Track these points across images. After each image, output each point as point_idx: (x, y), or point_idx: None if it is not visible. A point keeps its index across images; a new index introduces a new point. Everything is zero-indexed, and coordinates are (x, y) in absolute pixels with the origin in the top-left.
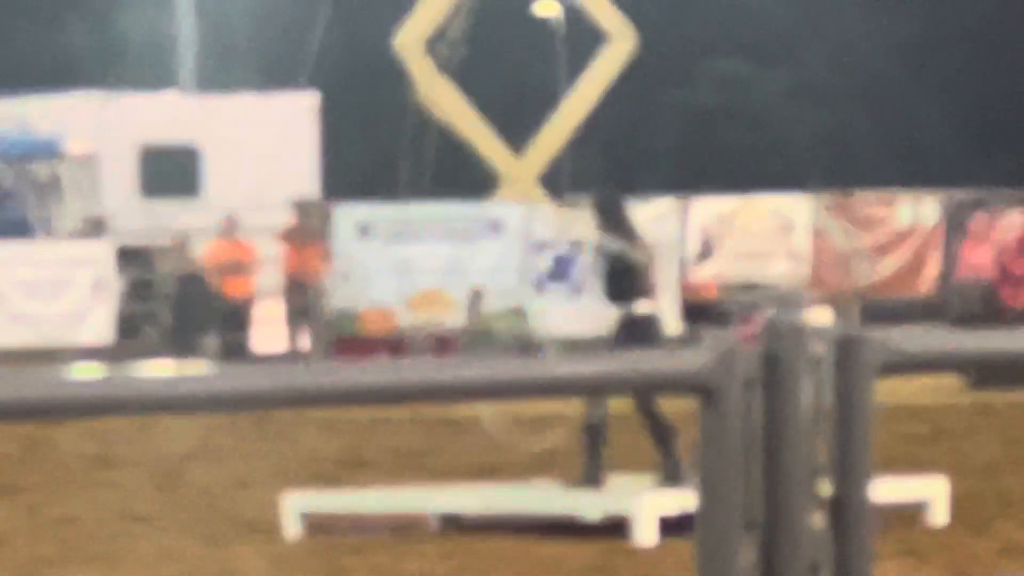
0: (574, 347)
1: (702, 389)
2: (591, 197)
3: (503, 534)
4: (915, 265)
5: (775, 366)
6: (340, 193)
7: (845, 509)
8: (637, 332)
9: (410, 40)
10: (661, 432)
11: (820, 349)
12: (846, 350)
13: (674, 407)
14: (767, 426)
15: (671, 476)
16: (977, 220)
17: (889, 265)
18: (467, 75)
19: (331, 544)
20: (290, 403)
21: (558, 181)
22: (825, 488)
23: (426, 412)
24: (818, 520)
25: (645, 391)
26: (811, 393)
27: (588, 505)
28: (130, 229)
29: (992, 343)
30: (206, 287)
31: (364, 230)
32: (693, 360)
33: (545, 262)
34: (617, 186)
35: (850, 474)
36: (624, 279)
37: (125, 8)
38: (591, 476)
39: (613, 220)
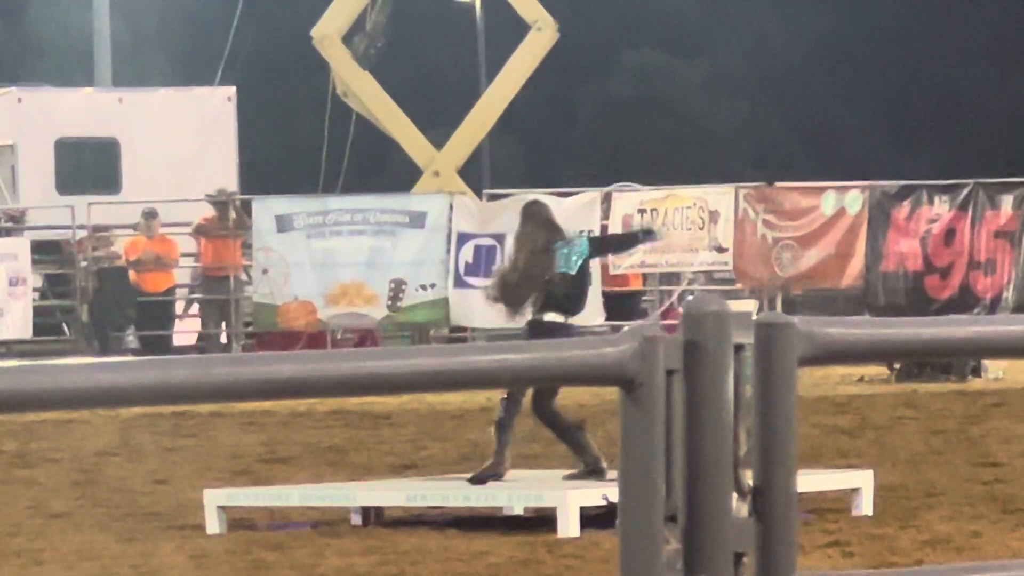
0: (496, 340)
1: (623, 379)
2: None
3: (425, 528)
4: (839, 256)
5: (697, 355)
6: (259, 186)
7: (769, 497)
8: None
9: (328, 31)
10: (564, 430)
11: (742, 337)
12: (769, 338)
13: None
14: (689, 415)
15: (592, 469)
16: (902, 211)
17: (813, 256)
18: (386, 67)
19: (252, 540)
20: (210, 396)
21: (479, 172)
22: (749, 477)
23: (347, 406)
24: (742, 509)
25: (566, 382)
26: (733, 382)
27: (511, 498)
28: (48, 224)
29: (915, 332)
30: (125, 282)
31: (284, 223)
32: (614, 350)
33: (467, 254)
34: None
35: (773, 463)
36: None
37: (41, 3)
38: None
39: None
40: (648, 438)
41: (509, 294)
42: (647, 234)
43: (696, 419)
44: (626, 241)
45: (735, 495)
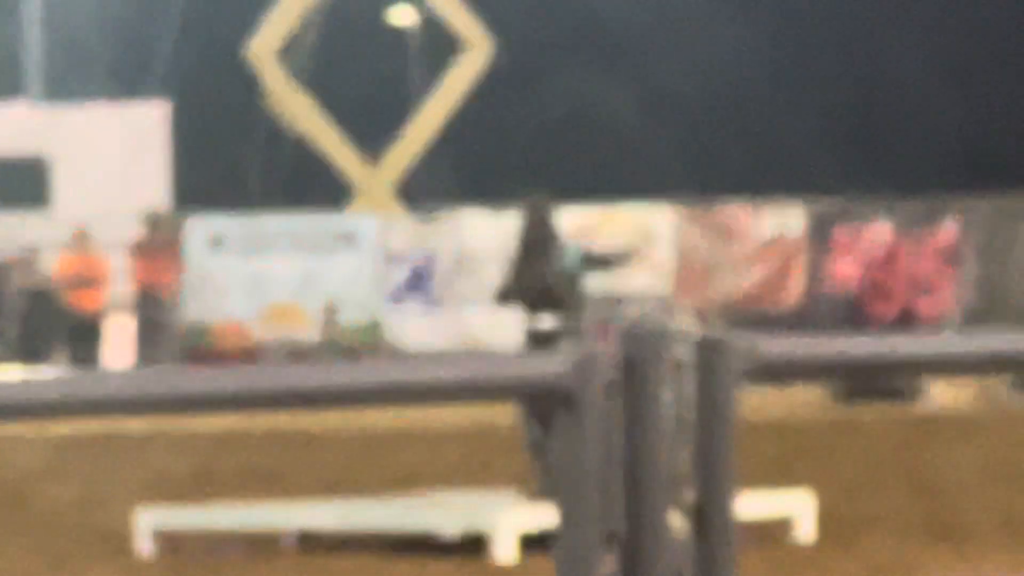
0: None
1: (560, 395)
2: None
3: (360, 551)
4: (780, 276)
5: (635, 371)
6: (192, 204)
7: (708, 517)
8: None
9: (263, 49)
10: (538, 443)
11: (682, 353)
12: (709, 354)
13: None
14: (627, 433)
15: (546, 489)
16: (843, 231)
17: (753, 276)
18: (321, 84)
19: (184, 562)
20: (141, 409)
21: (413, 191)
22: (688, 496)
23: (281, 428)
24: (681, 528)
25: (502, 397)
26: (673, 399)
27: (447, 521)
28: None
29: (858, 350)
30: (55, 301)
31: (216, 242)
32: (551, 365)
33: (401, 274)
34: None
35: (713, 482)
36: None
37: None
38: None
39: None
40: (585, 455)
41: (516, 293)
42: (617, 259)
43: (634, 437)
44: (602, 263)
45: (674, 515)
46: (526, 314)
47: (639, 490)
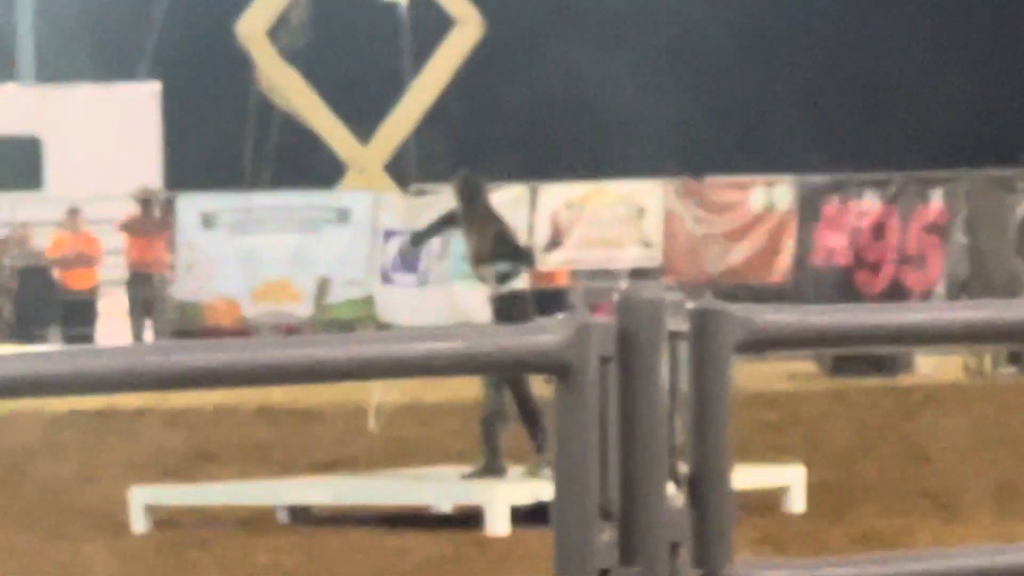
0: None
1: (557, 366)
2: (454, 181)
3: (353, 526)
4: (769, 251)
5: (631, 342)
6: (183, 183)
7: (704, 487)
8: (515, 311)
9: (253, 27)
10: (529, 415)
11: (677, 324)
12: (704, 325)
13: None
14: (624, 403)
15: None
16: (831, 205)
17: (742, 251)
18: (311, 62)
19: (178, 538)
20: (135, 384)
21: (405, 168)
22: (683, 467)
23: (273, 403)
24: (678, 498)
25: (499, 370)
26: (668, 369)
27: (440, 496)
28: None
29: (851, 319)
30: (48, 280)
31: (208, 220)
32: (548, 337)
33: (392, 251)
34: (473, 171)
35: (708, 451)
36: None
37: None
38: (493, 465)
39: (475, 204)
40: (582, 427)
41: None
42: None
43: (631, 408)
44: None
45: (671, 485)
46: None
47: (636, 461)
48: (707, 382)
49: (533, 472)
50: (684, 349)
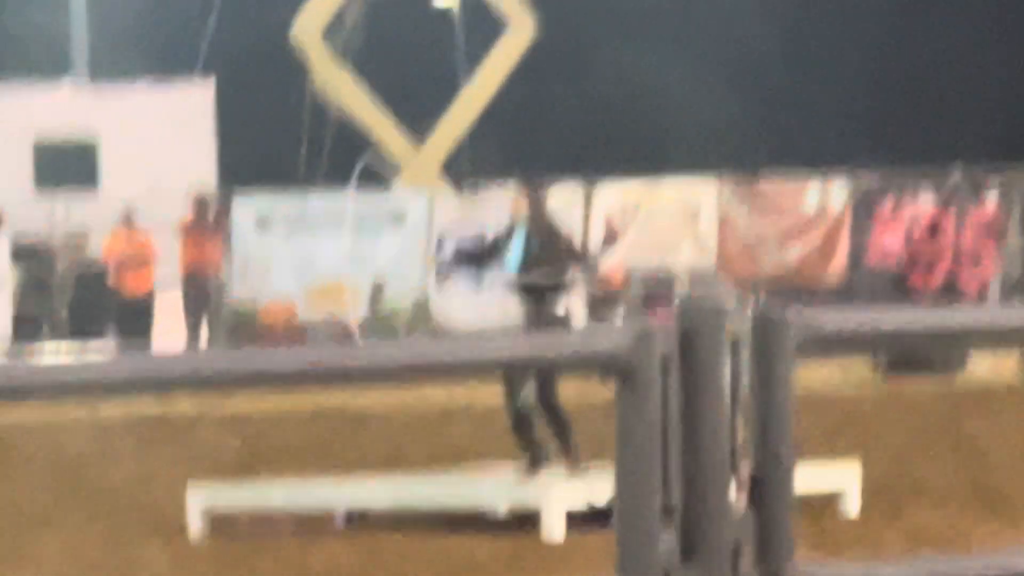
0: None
1: (620, 368)
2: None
3: (410, 528)
4: (824, 251)
5: (693, 345)
6: (238, 184)
7: (766, 489)
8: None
9: (308, 28)
10: (560, 423)
11: (738, 327)
12: (765, 328)
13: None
14: (685, 406)
15: (571, 467)
16: (886, 204)
17: (797, 251)
18: (366, 63)
19: (235, 540)
20: (194, 387)
21: (459, 169)
22: (745, 469)
23: (329, 406)
24: (739, 499)
25: (558, 373)
26: (730, 372)
27: (496, 498)
28: (25, 224)
29: (909, 321)
30: (104, 282)
31: (263, 222)
32: (610, 339)
33: (447, 252)
34: (534, 177)
35: (770, 453)
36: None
37: None
38: (539, 457)
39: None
40: (644, 428)
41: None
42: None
43: (693, 410)
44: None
45: (732, 486)
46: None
47: (697, 463)
48: (769, 385)
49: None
50: (746, 351)
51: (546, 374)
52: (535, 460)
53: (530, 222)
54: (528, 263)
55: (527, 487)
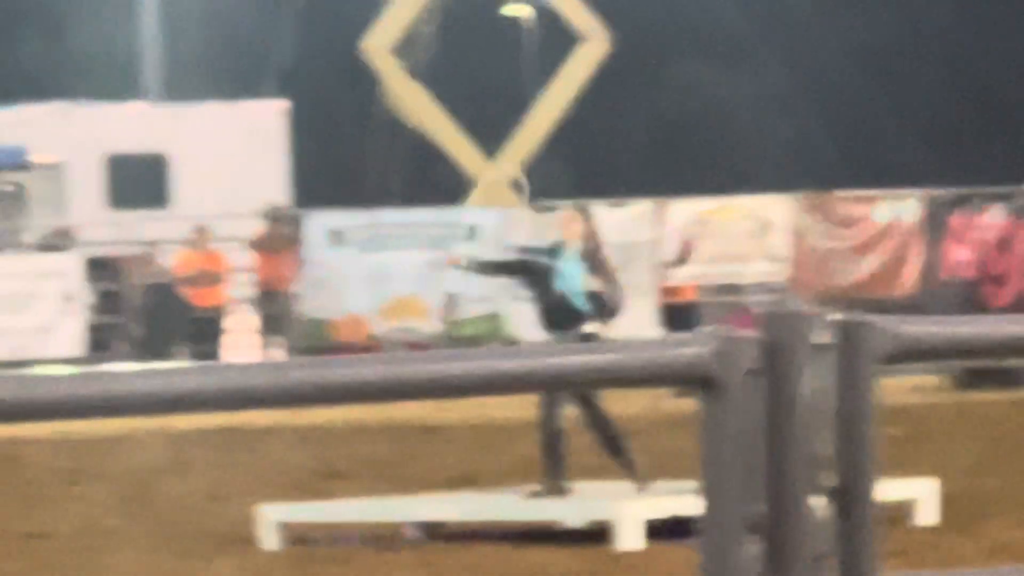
0: None
1: (703, 379)
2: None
3: (482, 543)
4: (895, 265)
5: (777, 355)
6: (311, 200)
7: (850, 499)
8: None
9: (379, 44)
10: (611, 436)
11: (822, 337)
12: (850, 337)
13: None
14: (769, 416)
15: (632, 480)
16: (957, 218)
17: (868, 265)
18: (437, 78)
19: (308, 556)
20: (266, 401)
21: (532, 185)
22: (828, 479)
23: (400, 421)
24: (824, 510)
25: (635, 386)
26: (813, 381)
27: (571, 511)
28: (98, 240)
29: (993, 330)
30: (176, 298)
31: (336, 237)
32: (693, 350)
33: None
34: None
35: (855, 463)
36: (557, 306)
37: (88, 18)
38: (555, 485)
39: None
40: (728, 439)
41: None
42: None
43: (776, 420)
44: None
45: (817, 496)
46: None
47: (782, 473)
48: (853, 394)
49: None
50: (829, 361)
51: (588, 394)
52: (551, 487)
53: (583, 243)
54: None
55: (601, 499)
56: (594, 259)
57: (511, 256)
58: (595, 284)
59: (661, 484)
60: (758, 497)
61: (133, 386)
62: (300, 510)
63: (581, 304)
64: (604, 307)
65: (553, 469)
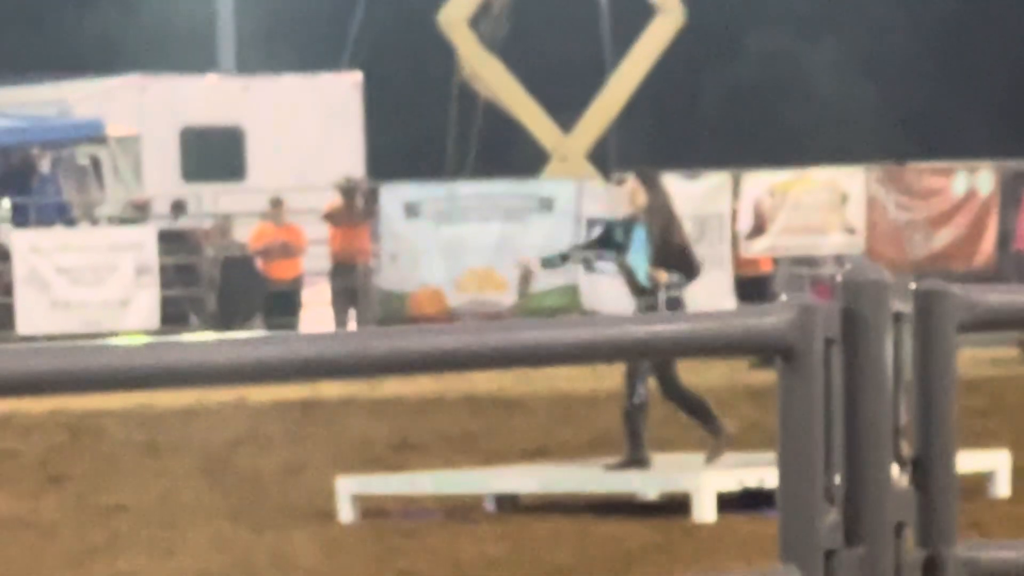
0: None
1: (782, 348)
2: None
3: (559, 514)
4: (971, 236)
5: (856, 323)
6: (386, 173)
7: (928, 467)
8: None
9: (454, 16)
10: (696, 408)
11: (901, 305)
12: (929, 305)
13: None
14: (848, 385)
15: (718, 448)
16: None
17: (944, 237)
18: (513, 50)
19: (385, 528)
20: (368, 370)
21: (607, 157)
22: (906, 448)
23: (477, 392)
24: (902, 479)
25: (715, 356)
26: (892, 350)
27: (646, 482)
28: (174, 212)
29: None
30: (252, 271)
31: (412, 210)
32: (773, 319)
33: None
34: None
35: (933, 432)
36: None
37: None
38: (636, 456)
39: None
40: (807, 408)
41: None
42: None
43: (855, 389)
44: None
45: (895, 465)
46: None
47: (860, 443)
48: (932, 362)
49: (712, 460)
50: (907, 330)
51: (665, 365)
52: (630, 459)
53: (649, 214)
54: (650, 256)
55: (677, 470)
56: (667, 224)
57: (580, 243)
58: (672, 247)
59: (736, 456)
60: (836, 467)
61: (209, 355)
62: (377, 482)
63: (643, 278)
64: (691, 266)
65: (633, 441)
